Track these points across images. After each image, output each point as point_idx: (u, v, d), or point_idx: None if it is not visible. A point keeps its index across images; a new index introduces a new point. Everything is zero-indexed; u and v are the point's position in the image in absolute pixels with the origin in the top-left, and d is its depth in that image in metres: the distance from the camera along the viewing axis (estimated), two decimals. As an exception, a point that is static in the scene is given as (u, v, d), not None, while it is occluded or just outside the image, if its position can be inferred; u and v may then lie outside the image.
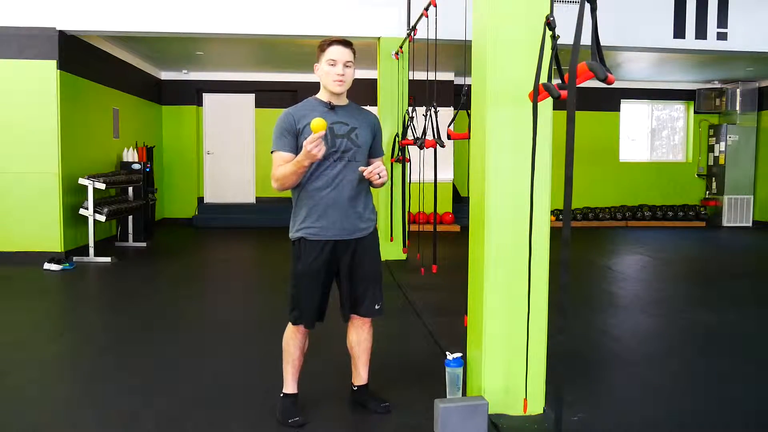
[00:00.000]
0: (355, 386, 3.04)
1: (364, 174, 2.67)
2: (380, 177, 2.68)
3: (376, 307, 2.88)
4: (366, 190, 2.82)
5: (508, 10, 2.79)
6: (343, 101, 2.80)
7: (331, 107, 2.74)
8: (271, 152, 2.74)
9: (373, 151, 2.86)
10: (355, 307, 2.86)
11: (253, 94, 11.61)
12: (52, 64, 7.07)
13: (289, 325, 2.86)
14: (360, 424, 2.92)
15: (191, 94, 11.42)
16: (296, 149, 2.69)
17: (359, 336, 2.94)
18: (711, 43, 7.67)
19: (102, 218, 7.34)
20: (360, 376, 3.02)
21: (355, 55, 2.76)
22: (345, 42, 2.72)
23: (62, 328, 4.73)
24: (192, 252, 8.81)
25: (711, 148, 12.23)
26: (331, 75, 2.69)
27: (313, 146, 2.48)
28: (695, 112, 12.46)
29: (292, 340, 2.86)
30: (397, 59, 7.30)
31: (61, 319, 5.13)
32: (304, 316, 2.78)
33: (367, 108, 3.00)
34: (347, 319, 2.92)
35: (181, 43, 8.72)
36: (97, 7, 7.12)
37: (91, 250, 7.33)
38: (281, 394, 2.92)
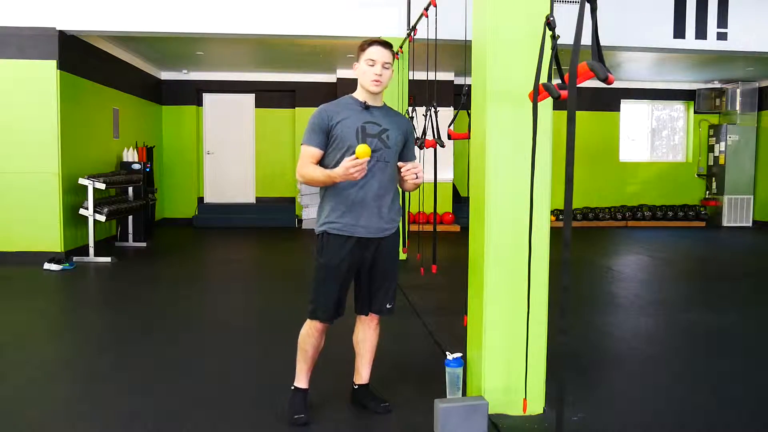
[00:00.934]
0: (356, 385, 3.05)
1: (402, 170, 2.72)
2: (417, 177, 2.71)
3: (388, 306, 2.90)
4: (393, 191, 2.83)
5: (508, 10, 2.79)
6: (378, 102, 2.82)
7: (366, 107, 2.77)
8: (302, 144, 2.77)
9: (405, 155, 2.85)
10: (371, 304, 2.89)
11: (253, 94, 11.60)
12: (52, 64, 7.07)
13: (307, 321, 2.87)
14: (359, 424, 2.91)
15: (191, 94, 11.42)
16: (325, 146, 2.74)
17: (365, 333, 2.96)
18: (711, 43, 7.67)
19: (102, 218, 7.34)
20: (361, 375, 3.02)
21: (395, 57, 2.79)
22: (385, 43, 2.75)
23: (62, 328, 4.73)
24: (192, 252, 8.81)
25: (711, 148, 12.22)
26: (369, 75, 2.71)
27: (356, 170, 2.54)
28: (695, 112, 12.45)
29: (309, 338, 2.87)
30: (397, 59, 7.29)
31: (61, 319, 5.13)
32: (320, 310, 2.79)
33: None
34: (365, 313, 2.93)
35: (181, 43, 8.72)
36: (97, 7, 7.12)
37: (91, 250, 7.33)
38: (292, 387, 2.93)
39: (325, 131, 2.72)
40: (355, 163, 2.52)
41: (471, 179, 3.08)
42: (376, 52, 2.71)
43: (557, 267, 2.16)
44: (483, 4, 2.91)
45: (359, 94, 2.80)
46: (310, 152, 2.73)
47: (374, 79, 2.71)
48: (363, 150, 2.53)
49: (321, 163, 2.75)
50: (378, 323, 2.96)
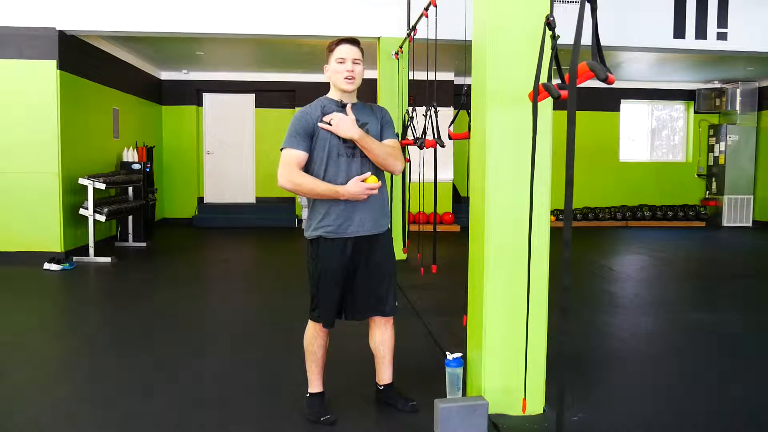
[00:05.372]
0: (380, 386, 3.06)
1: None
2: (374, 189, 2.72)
3: (396, 304, 2.92)
4: (382, 182, 2.81)
5: (508, 10, 2.79)
6: (353, 99, 2.84)
7: (342, 105, 2.78)
8: (282, 149, 2.73)
9: (385, 136, 2.86)
10: (380, 306, 2.87)
11: (253, 94, 11.60)
12: (52, 64, 7.07)
13: (310, 323, 2.87)
14: (359, 423, 2.91)
15: (191, 94, 11.42)
16: (310, 149, 2.72)
17: (383, 335, 2.96)
18: (711, 43, 7.67)
19: (102, 218, 7.34)
20: (384, 376, 3.03)
21: (363, 54, 2.79)
22: (352, 40, 2.75)
23: (62, 328, 4.73)
24: (192, 252, 8.80)
25: (711, 148, 12.22)
26: (341, 73, 2.72)
27: (364, 195, 2.67)
28: (695, 112, 12.45)
29: (315, 339, 2.87)
30: (397, 59, 7.30)
31: (61, 319, 5.13)
32: (323, 316, 2.80)
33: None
34: (363, 318, 2.91)
35: (181, 43, 8.72)
36: (97, 7, 7.12)
37: (91, 250, 7.33)
38: (307, 395, 2.94)
39: (309, 134, 2.71)
40: (372, 186, 2.64)
41: (471, 179, 3.07)
42: (344, 50, 2.72)
43: (557, 267, 2.16)
44: (483, 4, 2.91)
45: (333, 94, 2.81)
46: (296, 156, 2.69)
47: (346, 76, 2.72)
48: (374, 179, 2.70)
49: (306, 166, 2.73)
50: (392, 324, 2.97)
